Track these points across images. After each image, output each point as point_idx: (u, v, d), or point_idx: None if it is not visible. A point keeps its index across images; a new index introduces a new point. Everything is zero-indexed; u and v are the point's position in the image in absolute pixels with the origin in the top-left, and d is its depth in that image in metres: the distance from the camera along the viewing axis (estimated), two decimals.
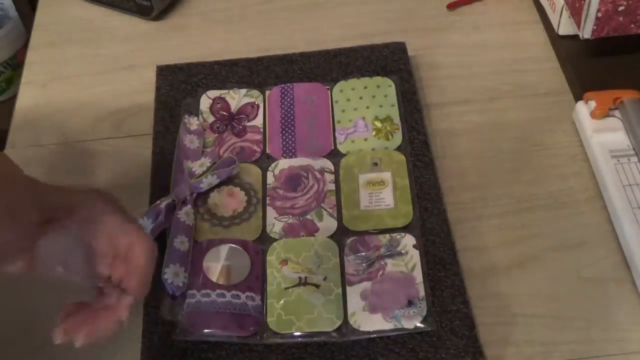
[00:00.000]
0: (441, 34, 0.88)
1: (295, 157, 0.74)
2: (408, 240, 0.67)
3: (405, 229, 0.68)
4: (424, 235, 0.68)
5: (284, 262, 0.67)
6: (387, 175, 0.72)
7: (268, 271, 0.66)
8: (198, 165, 0.73)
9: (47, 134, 0.81)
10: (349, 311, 0.64)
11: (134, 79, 0.86)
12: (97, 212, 0.56)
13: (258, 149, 0.75)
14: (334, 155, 0.75)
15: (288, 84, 0.80)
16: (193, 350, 0.63)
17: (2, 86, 1.60)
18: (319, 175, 0.73)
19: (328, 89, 0.80)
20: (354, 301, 0.64)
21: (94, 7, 0.94)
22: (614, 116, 0.74)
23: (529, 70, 0.83)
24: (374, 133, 0.75)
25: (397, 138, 0.75)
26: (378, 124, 0.76)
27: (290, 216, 0.70)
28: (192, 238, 0.68)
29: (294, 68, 0.83)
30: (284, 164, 0.74)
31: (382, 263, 0.66)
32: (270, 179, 0.73)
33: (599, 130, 0.73)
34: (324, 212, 0.70)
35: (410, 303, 0.63)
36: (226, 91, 0.80)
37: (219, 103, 0.79)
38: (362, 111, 0.77)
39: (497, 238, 0.69)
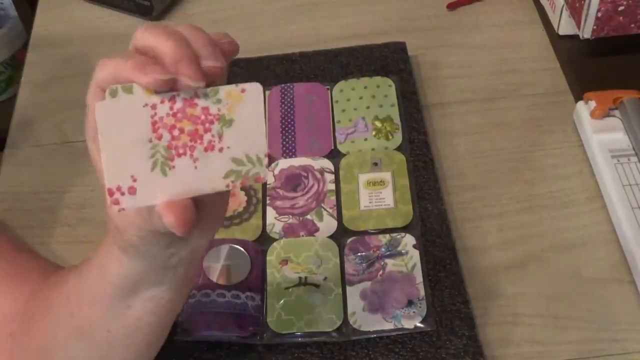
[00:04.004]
0: (441, 34, 0.88)
1: (295, 157, 0.74)
2: (408, 240, 0.67)
3: (405, 229, 0.68)
4: (424, 235, 0.68)
5: (284, 262, 0.67)
6: (387, 175, 0.72)
7: (268, 271, 0.66)
8: None
9: (47, 134, 0.81)
10: (349, 311, 0.64)
11: None
12: None
13: None
14: (334, 155, 0.75)
15: (288, 84, 0.80)
16: (193, 350, 0.63)
17: (2, 86, 1.60)
18: (319, 175, 0.73)
19: (328, 89, 0.80)
20: (354, 301, 0.64)
21: (94, 7, 0.94)
22: (614, 116, 0.74)
23: (529, 70, 0.83)
24: (374, 133, 0.75)
25: (397, 138, 0.75)
26: (378, 124, 0.76)
27: (290, 216, 0.70)
28: None
29: (294, 68, 0.83)
30: (284, 164, 0.74)
31: (382, 263, 0.66)
32: (270, 179, 0.73)
33: (599, 130, 0.73)
34: (324, 212, 0.70)
35: (410, 303, 0.63)
36: None
37: None
38: (362, 111, 0.77)
39: (497, 238, 0.69)
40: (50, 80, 0.87)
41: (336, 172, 0.73)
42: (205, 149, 0.41)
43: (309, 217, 0.70)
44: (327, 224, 0.69)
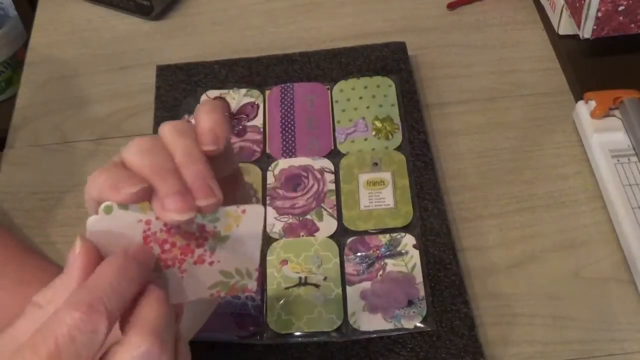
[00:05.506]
0: (441, 34, 0.88)
1: (295, 157, 0.74)
2: (408, 240, 0.67)
3: (405, 228, 0.68)
4: (424, 235, 0.68)
5: (284, 262, 0.67)
6: (387, 175, 0.72)
7: (268, 271, 0.66)
8: None
9: (47, 134, 0.81)
10: (349, 311, 0.64)
11: (134, 79, 0.86)
12: None
13: (258, 149, 0.75)
14: (334, 155, 0.75)
15: (288, 84, 0.80)
16: (193, 350, 0.62)
17: (2, 86, 1.60)
18: (319, 175, 0.73)
19: (328, 88, 0.80)
20: (354, 301, 0.64)
21: (93, 7, 0.94)
22: (614, 116, 0.74)
23: (529, 70, 0.83)
24: (374, 133, 0.75)
25: (397, 138, 0.75)
26: (378, 124, 0.76)
27: (290, 216, 0.70)
28: None
29: (294, 68, 0.83)
30: (284, 164, 0.74)
31: (382, 263, 0.66)
32: (270, 179, 0.73)
33: (599, 130, 0.73)
34: (324, 212, 0.70)
35: (410, 303, 0.63)
36: (226, 91, 0.80)
37: None
38: (362, 111, 0.77)
39: (497, 238, 0.69)
40: (50, 80, 0.87)
41: (336, 172, 0.73)
42: (195, 262, 0.41)
43: (309, 217, 0.70)
44: (327, 224, 0.69)
